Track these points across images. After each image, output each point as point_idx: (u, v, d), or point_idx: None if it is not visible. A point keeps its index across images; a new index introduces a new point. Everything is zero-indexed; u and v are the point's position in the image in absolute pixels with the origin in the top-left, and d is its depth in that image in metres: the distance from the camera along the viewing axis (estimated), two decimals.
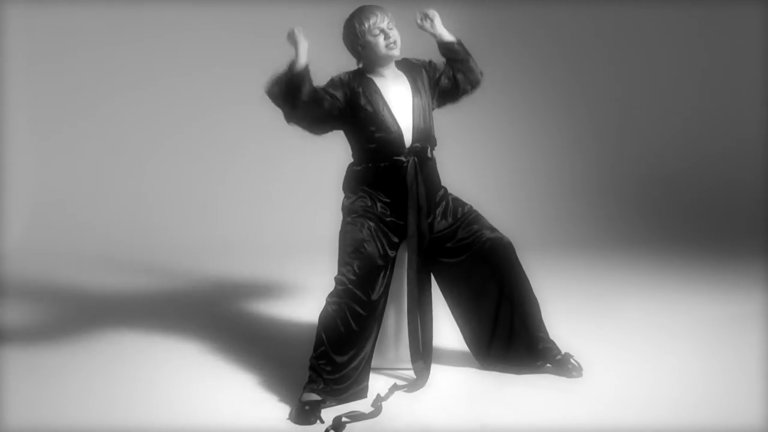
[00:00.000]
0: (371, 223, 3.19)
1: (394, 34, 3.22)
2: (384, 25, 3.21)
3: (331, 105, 3.21)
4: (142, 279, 5.04)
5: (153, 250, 5.72)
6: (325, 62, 3.29)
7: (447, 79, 3.42)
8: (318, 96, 3.18)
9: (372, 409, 2.98)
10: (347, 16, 3.28)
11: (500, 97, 6.68)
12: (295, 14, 6.33)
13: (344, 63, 3.37)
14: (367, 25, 3.20)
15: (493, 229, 3.31)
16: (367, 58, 3.27)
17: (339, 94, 3.22)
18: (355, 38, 3.23)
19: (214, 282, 4.96)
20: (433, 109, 3.37)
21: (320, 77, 3.24)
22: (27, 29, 6.08)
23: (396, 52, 3.24)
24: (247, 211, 6.16)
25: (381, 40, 3.20)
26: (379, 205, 3.24)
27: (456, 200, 3.38)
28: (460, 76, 3.43)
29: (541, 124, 6.75)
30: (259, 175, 6.35)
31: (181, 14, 6.25)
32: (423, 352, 3.26)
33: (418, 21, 3.45)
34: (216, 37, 6.35)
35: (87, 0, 6.12)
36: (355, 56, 3.31)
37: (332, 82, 3.26)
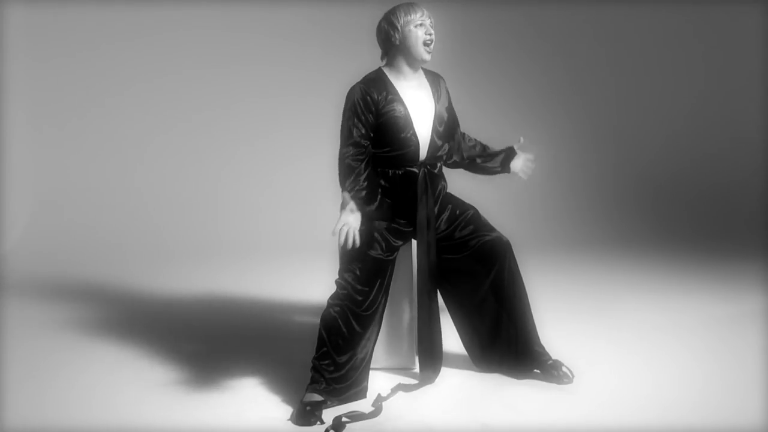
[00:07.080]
0: (372, 226, 3.17)
1: (433, 36, 3.17)
2: (427, 22, 3.16)
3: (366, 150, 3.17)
4: (142, 279, 5.04)
5: (153, 250, 5.72)
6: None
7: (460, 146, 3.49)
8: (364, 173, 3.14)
9: (372, 409, 2.99)
10: (389, 10, 3.20)
11: (499, 96, 6.68)
12: (294, 14, 6.38)
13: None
14: (412, 16, 3.14)
15: (491, 229, 3.30)
16: (398, 55, 3.18)
17: (366, 136, 3.13)
18: (394, 28, 3.14)
19: (216, 283, 4.96)
20: (446, 120, 3.29)
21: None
22: (27, 29, 6.08)
23: (429, 57, 3.18)
24: (249, 213, 6.16)
25: (421, 34, 3.13)
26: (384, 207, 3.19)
27: (456, 201, 3.37)
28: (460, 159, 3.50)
29: (540, 125, 6.75)
30: (260, 177, 6.35)
31: (180, 15, 6.26)
32: (432, 356, 3.26)
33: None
34: (215, 38, 6.36)
35: (87, 0, 6.12)
36: (384, 49, 3.22)
37: (357, 130, 3.12)
